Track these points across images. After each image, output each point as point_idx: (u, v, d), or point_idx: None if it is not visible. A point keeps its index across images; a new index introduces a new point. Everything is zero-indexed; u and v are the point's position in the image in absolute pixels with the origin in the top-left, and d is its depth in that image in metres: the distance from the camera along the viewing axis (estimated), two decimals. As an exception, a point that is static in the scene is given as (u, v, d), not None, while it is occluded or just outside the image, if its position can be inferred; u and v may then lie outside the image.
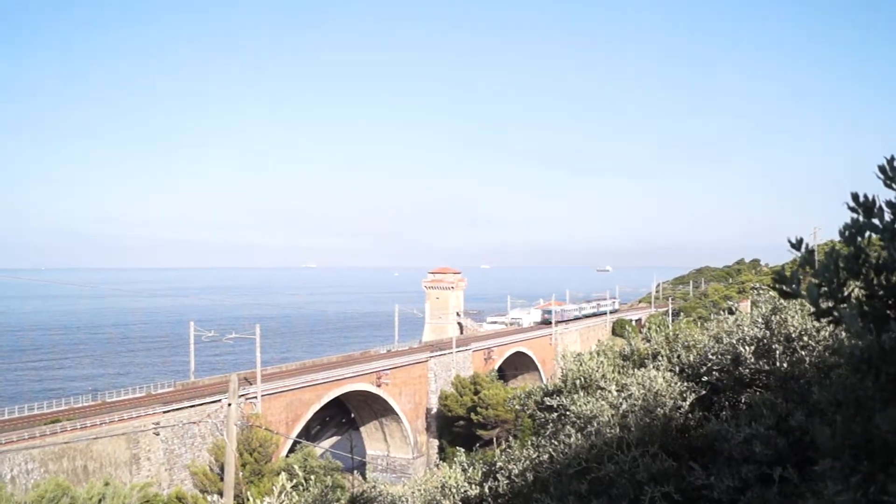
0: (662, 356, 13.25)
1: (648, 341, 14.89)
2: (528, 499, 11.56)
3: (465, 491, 13.91)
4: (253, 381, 73.47)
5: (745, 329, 11.39)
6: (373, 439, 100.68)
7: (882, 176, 3.58)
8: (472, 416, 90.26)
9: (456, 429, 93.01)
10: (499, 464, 13.65)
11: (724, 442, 9.36)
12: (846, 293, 3.40)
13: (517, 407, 16.99)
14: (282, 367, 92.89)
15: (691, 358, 12.41)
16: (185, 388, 76.90)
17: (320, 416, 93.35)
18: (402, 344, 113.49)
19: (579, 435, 10.66)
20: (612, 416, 10.60)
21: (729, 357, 11.32)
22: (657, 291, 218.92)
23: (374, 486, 14.33)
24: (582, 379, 13.34)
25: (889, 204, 3.55)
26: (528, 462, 13.00)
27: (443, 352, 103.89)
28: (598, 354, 14.53)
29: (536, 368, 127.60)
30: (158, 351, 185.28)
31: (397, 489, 16.46)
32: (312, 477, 12.89)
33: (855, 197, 3.51)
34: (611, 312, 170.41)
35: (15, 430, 56.11)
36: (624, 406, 10.71)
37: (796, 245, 3.59)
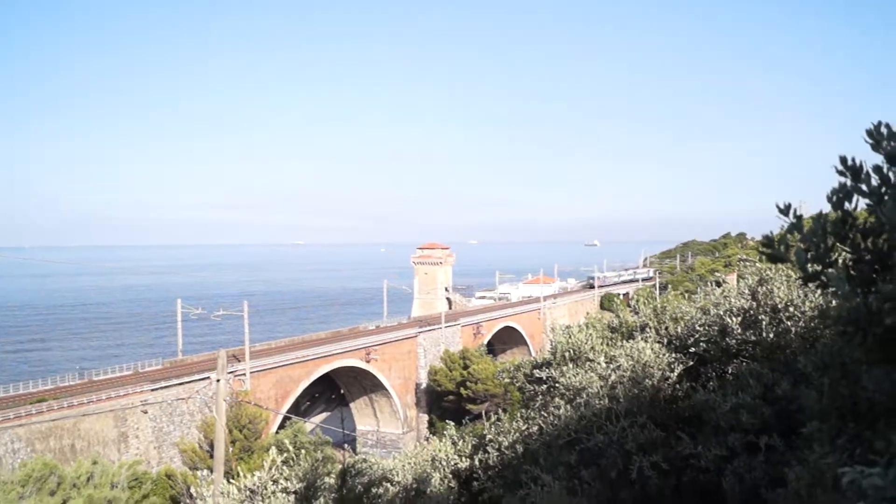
0: (650, 328, 13.32)
1: (637, 314, 14.95)
2: (517, 470, 11.63)
3: (456, 464, 13.99)
4: (242, 358, 73.38)
5: (732, 300, 11.44)
6: (363, 415, 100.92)
7: (870, 140, 3.60)
8: (462, 390, 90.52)
9: (445, 403, 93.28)
10: (489, 436, 13.73)
11: (712, 412, 9.44)
12: (833, 257, 3.42)
13: (506, 380, 17.06)
14: (271, 343, 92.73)
15: (679, 330, 12.48)
16: (173, 366, 76.72)
17: (310, 393, 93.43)
18: (391, 320, 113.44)
19: (568, 406, 10.73)
20: (601, 387, 10.67)
21: (716, 328, 11.39)
22: (645, 265, 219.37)
23: (364, 460, 14.38)
24: (571, 351, 13.39)
25: (876, 168, 3.56)
26: (517, 434, 13.08)
27: (432, 327, 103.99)
28: (587, 327, 14.58)
29: (525, 343, 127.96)
30: (146, 329, 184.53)
31: (388, 462, 16.54)
32: (302, 451, 12.93)
33: (843, 160, 3.52)
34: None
35: (0, 409, 55.97)
36: (613, 377, 10.77)
37: (784, 210, 3.61)
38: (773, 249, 3.44)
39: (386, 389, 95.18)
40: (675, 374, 10.72)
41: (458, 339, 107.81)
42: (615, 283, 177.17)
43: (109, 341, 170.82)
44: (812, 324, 9.75)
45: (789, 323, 10.23)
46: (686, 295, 14.38)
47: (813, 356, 3.86)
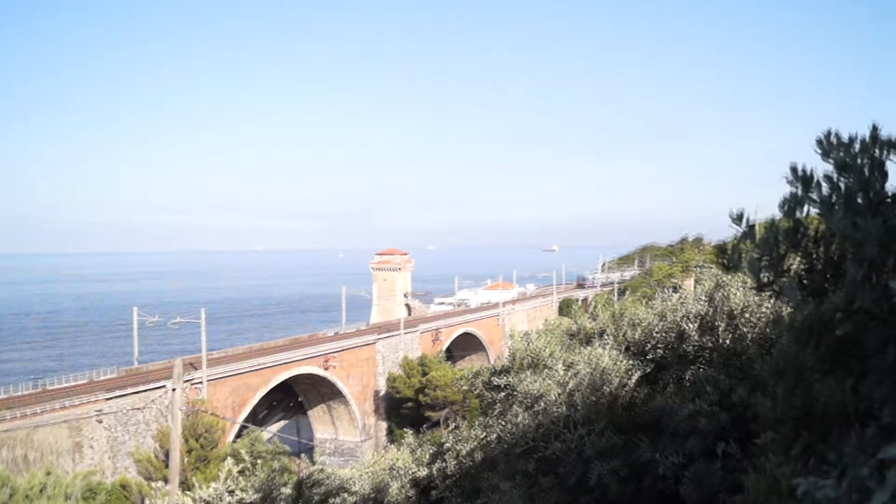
0: (608, 334, 13.37)
1: (595, 319, 15.01)
2: (476, 478, 11.60)
3: (414, 473, 13.94)
4: (198, 366, 72.63)
5: (689, 306, 11.53)
6: (321, 423, 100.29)
7: (819, 150, 3.62)
8: (421, 397, 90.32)
9: (404, 411, 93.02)
10: (447, 445, 13.69)
11: (669, 417, 9.49)
12: (786, 266, 3.44)
13: (465, 387, 17.04)
14: (227, 351, 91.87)
15: (637, 335, 12.54)
16: (128, 375, 75.72)
17: (267, 401, 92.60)
18: (350, 326, 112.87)
19: (526, 414, 10.72)
20: (559, 394, 10.67)
21: (673, 334, 11.46)
22: (602, 270, 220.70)
23: (321, 469, 14.27)
24: (529, 358, 13.41)
25: (826, 177, 3.59)
26: (476, 442, 13.06)
27: (391, 333, 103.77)
28: (546, 333, 14.61)
29: (484, 349, 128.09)
30: (101, 337, 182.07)
31: (346, 472, 16.42)
32: (259, 461, 12.79)
33: (794, 170, 3.54)
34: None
35: (-49, 420, 54.90)
36: (571, 384, 10.78)
37: (737, 219, 3.62)
38: (726, 258, 3.45)
39: (344, 397, 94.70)
40: (633, 380, 10.77)
41: (416, 346, 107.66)
42: (604, 284, 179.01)
43: (63, 350, 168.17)
44: (767, 330, 9.85)
45: (745, 329, 10.33)
46: (644, 300, 14.46)
47: (768, 362, 3.87)
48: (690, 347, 10.95)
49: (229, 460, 11.32)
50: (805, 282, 3.43)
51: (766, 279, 3.45)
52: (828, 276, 3.54)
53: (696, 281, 13.98)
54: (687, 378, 10.95)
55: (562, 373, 11.19)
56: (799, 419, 3.51)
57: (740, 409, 8.57)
